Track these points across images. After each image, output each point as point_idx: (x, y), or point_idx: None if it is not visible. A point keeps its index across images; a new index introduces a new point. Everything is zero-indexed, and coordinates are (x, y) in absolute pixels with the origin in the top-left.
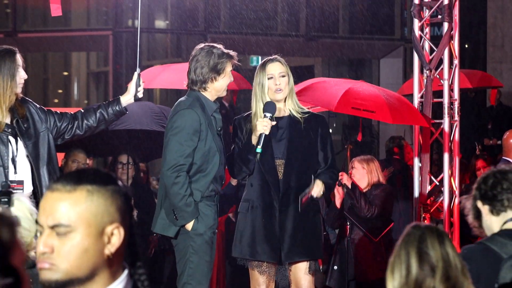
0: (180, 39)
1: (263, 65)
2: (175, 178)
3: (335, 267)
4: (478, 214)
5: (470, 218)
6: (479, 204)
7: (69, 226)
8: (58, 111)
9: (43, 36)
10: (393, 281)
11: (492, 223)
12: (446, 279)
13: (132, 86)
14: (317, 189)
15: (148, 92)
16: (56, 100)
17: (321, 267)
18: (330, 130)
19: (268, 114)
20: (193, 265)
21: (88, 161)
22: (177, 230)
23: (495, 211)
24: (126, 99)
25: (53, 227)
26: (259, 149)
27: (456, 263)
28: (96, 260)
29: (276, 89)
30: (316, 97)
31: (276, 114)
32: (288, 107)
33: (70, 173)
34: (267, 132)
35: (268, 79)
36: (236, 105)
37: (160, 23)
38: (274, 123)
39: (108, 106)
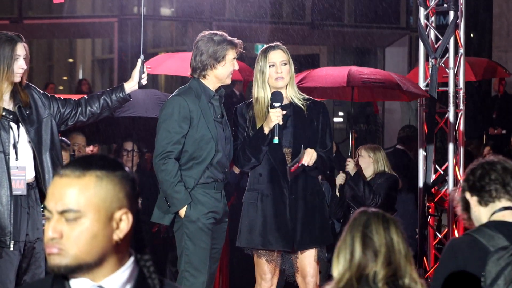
0: (185, 26)
1: (265, 52)
2: (162, 165)
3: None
4: (466, 206)
5: (459, 210)
6: (468, 195)
7: (78, 211)
8: (61, 97)
9: (49, 23)
10: (338, 265)
11: (481, 214)
12: (388, 264)
13: (136, 73)
14: (307, 157)
15: (153, 79)
16: (61, 87)
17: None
18: (336, 119)
19: (277, 104)
20: (189, 252)
21: (93, 148)
22: (172, 218)
23: (483, 202)
24: (130, 86)
25: (62, 213)
26: (276, 140)
27: (400, 249)
28: (105, 245)
29: (277, 77)
30: (322, 79)
31: (283, 102)
32: (290, 94)
33: (78, 158)
34: (281, 122)
35: (270, 66)
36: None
37: (165, 11)
38: (284, 112)
39: (112, 93)
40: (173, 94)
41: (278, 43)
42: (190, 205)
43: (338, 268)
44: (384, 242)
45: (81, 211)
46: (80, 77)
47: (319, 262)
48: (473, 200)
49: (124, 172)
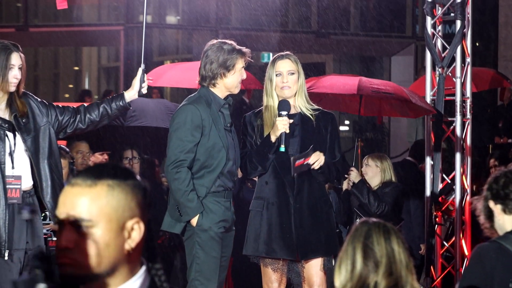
0: (191, 35)
1: (273, 61)
2: (175, 174)
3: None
4: (490, 214)
5: (481, 219)
6: (491, 204)
7: (90, 221)
8: (60, 105)
9: (54, 31)
10: (340, 276)
11: (505, 222)
12: (389, 274)
13: (136, 82)
14: (315, 157)
15: (159, 89)
16: (67, 95)
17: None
18: (342, 128)
19: (284, 113)
20: (200, 261)
21: (102, 157)
22: (184, 226)
23: (507, 210)
24: (130, 95)
25: (73, 222)
26: (282, 148)
27: (401, 259)
28: (117, 255)
29: (283, 86)
30: (332, 86)
31: (291, 111)
32: (298, 104)
33: (89, 168)
34: (287, 131)
35: (276, 75)
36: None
37: (171, 19)
38: (291, 121)
39: (112, 101)
40: (183, 102)
41: (288, 52)
42: (202, 214)
43: (340, 279)
44: (385, 252)
45: (93, 221)
46: (86, 85)
47: (326, 272)
48: (497, 208)
49: (135, 181)
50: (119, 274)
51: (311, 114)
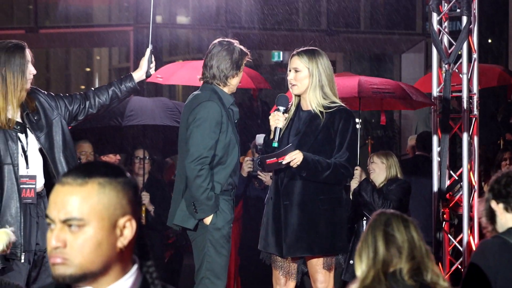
0: (201, 34)
1: (290, 58)
2: (199, 170)
3: (351, 262)
4: (492, 215)
5: (483, 220)
6: (493, 204)
7: (82, 219)
8: (67, 94)
9: (65, 32)
10: (361, 264)
11: (507, 220)
12: (411, 258)
13: (144, 62)
14: (289, 157)
15: (170, 88)
16: None
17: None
18: None
19: (281, 108)
20: (211, 259)
21: (118, 157)
22: (196, 223)
23: (510, 208)
24: (138, 76)
25: (65, 221)
26: (275, 143)
27: (420, 245)
28: (109, 253)
29: (290, 83)
30: None
31: (305, 108)
32: (310, 101)
33: (79, 166)
34: (280, 125)
35: (289, 72)
36: (258, 102)
37: (181, 19)
38: (286, 115)
39: (121, 83)
40: (200, 98)
41: (306, 48)
42: (215, 212)
43: (361, 268)
44: (406, 238)
45: (85, 219)
46: (97, 86)
47: (333, 269)
48: (499, 207)
49: (126, 178)
50: (111, 273)
51: (321, 112)
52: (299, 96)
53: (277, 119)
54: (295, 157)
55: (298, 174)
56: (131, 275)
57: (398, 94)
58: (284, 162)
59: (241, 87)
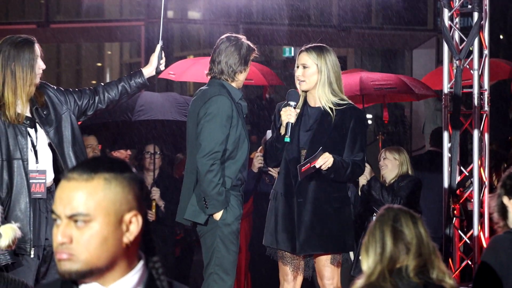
0: (212, 29)
1: (298, 54)
2: (211, 165)
3: (360, 258)
4: (503, 211)
5: (495, 216)
6: (505, 199)
7: (88, 215)
8: (76, 89)
9: (76, 26)
10: (368, 260)
11: None
12: (418, 255)
13: (154, 58)
14: (322, 160)
15: (182, 84)
16: None
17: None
18: None
19: (292, 103)
20: (220, 255)
21: (129, 152)
22: (207, 218)
23: None
24: (148, 71)
25: (71, 217)
26: (287, 138)
27: (428, 242)
28: (116, 249)
29: (297, 79)
30: None
31: (313, 104)
32: (319, 98)
33: (85, 161)
34: (292, 121)
35: (296, 67)
36: (267, 99)
37: (193, 14)
38: (298, 111)
39: (131, 79)
40: (210, 93)
41: (314, 45)
42: (225, 208)
43: (367, 263)
44: (414, 234)
45: (91, 215)
46: (108, 81)
47: (339, 265)
48: (511, 203)
49: (132, 173)
50: (118, 268)
51: (331, 109)
52: (305, 92)
53: (289, 114)
54: (326, 160)
55: (328, 176)
56: (137, 271)
57: (400, 88)
58: (317, 166)
59: (254, 84)
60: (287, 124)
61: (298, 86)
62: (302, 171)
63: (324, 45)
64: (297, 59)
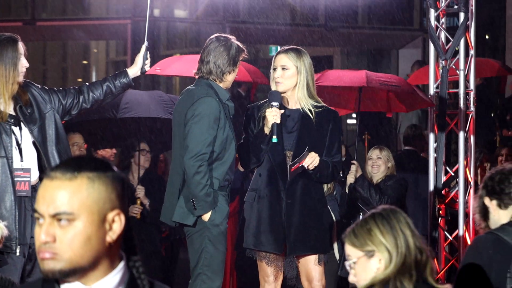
0: (199, 28)
1: (275, 55)
2: (198, 167)
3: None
4: (485, 212)
5: (476, 217)
6: (487, 200)
7: (72, 214)
8: (61, 88)
9: (62, 24)
10: (390, 259)
11: (500, 217)
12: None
13: (139, 59)
14: (309, 159)
15: (167, 82)
16: None
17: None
18: (350, 121)
19: (275, 104)
20: (209, 256)
21: (112, 152)
22: (195, 219)
23: (503, 204)
24: (133, 72)
25: (54, 216)
26: (274, 139)
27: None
28: (99, 248)
29: (275, 81)
30: (339, 79)
31: (290, 106)
32: (299, 100)
33: (67, 161)
34: (278, 121)
35: (273, 69)
36: (254, 98)
37: (179, 12)
38: (282, 111)
39: (116, 79)
40: (198, 94)
41: (291, 47)
42: (214, 209)
43: (389, 261)
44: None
45: (75, 214)
46: (94, 79)
47: (324, 264)
48: (492, 204)
49: (114, 172)
50: (100, 267)
51: (310, 110)
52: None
53: (275, 115)
54: (314, 159)
55: (314, 176)
56: (119, 270)
57: (403, 88)
58: (305, 165)
59: (238, 80)
60: (272, 125)
61: (274, 87)
62: (292, 170)
63: (300, 47)
64: (274, 60)
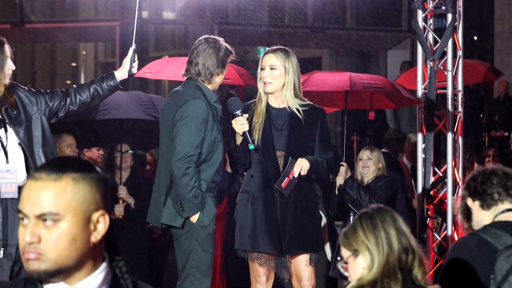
0: (187, 30)
1: (262, 56)
2: (186, 169)
3: (338, 258)
4: (468, 213)
5: (459, 218)
6: (469, 201)
7: (57, 214)
8: (48, 90)
9: (51, 26)
10: (372, 259)
11: (483, 218)
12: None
13: (127, 61)
14: (297, 168)
15: (156, 84)
16: None
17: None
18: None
19: (238, 112)
20: (197, 257)
21: (99, 152)
22: (183, 221)
23: (485, 205)
24: (121, 74)
25: (39, 216)
26: (251, 146)
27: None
28: (84, 248)
29: (263, 81)
30: (323, 83)
31: (276, 106)
32: (286, 99)
33: (51, 161)
34: (247, 128)
35: (261, 69)
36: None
37: (167, 14)
38: (246, 115)
39: (103, 81)
40: (186, 96)
41: (280, 47)
42: (202, 210)
43: (372, 262)
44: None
45: (60, 214)
46: (83, 81)
47: (315, 265)
48: (475, 205)
49: (98, 173)
50: (84, 268)
51: (298, 110)
52: (267, 94)
53: (242, 124)
54: (302, 165)
55: (309, 179)
56: (102, 270)
57: (388, 89)
58: (296, 176)
59: (230, 83)
60: (244, 133)
61: (261, 87)
62: (284, 187)
63: (287, 48)
64: (261, 60)
